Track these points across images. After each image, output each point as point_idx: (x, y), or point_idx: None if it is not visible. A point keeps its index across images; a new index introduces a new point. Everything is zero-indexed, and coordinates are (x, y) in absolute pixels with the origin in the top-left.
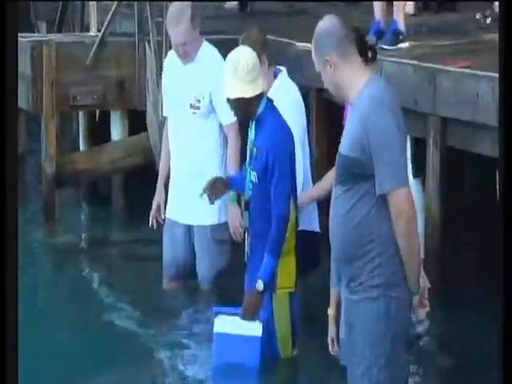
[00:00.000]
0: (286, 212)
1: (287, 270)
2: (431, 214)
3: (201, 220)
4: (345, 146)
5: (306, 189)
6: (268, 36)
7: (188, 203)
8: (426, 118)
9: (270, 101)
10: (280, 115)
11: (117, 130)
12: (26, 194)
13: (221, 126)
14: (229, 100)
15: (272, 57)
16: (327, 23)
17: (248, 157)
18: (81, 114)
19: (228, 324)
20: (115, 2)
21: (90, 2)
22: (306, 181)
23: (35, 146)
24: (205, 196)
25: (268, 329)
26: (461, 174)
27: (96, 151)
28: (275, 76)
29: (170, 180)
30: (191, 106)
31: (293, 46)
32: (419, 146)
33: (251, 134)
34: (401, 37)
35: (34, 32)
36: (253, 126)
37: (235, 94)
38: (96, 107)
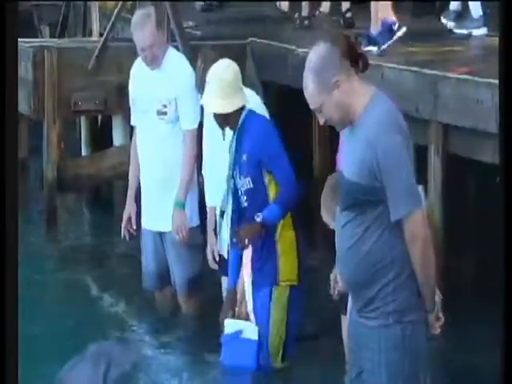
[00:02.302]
0: (297, 192)
1: (289, 263)
2: (433, 220)
3: (171, 226)
4: (350, 169)
5: None
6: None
7: (158, 210)
8: (427, 124)
9: (249, 109)
10: (260, 116)
11: (118, 135)
12: (28, 198)
13: None
14: (217, 114)
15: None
16: (321, 50)
17: (232, 167)
18: (83, 119)
19: (231, 327)
20: (117, 8)
21: (92, 8)
22: None
23: (37, 151)
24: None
25: (263, 324)
26: (462, 180)
27: (98, 156)
28: None
29: (142, 190)
30: (158, 113)
31: (294, 51)
32: (420, 153)
33: (232, 144)
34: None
35: (37, 36)
36: (234, 137)
37: (216, 108)
38: (98, 112)
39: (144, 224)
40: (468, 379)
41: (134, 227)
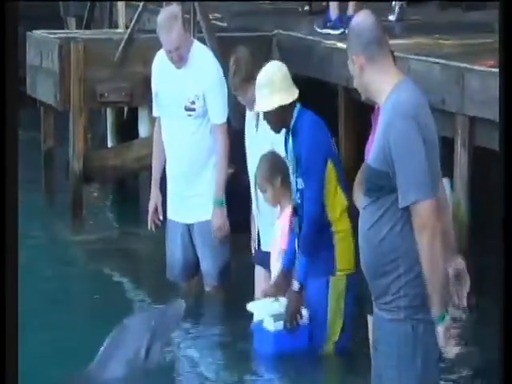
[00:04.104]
0: (316, 214)
1: (346, 253)
2: (459, 213)
3: (200, 216)
4: (371, 154)
5: None
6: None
7: (185, 203)
8: (453, 117)
9: (302, 107)
10: (314, 117)
11: (144, 126)
12: (54, 190)
13: None
14: (265, 113)
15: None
16: (360, 21)
17: (291, 166)
18: (109, 110)
19: (258, 309)
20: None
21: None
22: None
23: (63, 142)
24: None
25: (319, 312)
26: (489, 173)
27: (124, 148)
28: None
29: (168, 181)
30: (186, 109)
31: (320, 43)
32: (447, 146)
33: (288, 144)
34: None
35: (63, 28)
36: (289, 136)
37: (274, 104)
38: (124, 104)
39: (170, 215)
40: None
41: (161, 218)
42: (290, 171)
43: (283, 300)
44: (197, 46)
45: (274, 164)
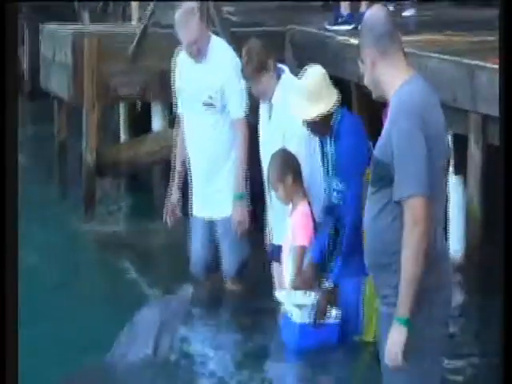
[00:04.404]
0: (359, 216)
1: None
2: (472, 211)
3: (223, 212)
4: (376, 147)
5: (319, 185)
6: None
7: (208, 198)
8: (466, 114)
9: (343, 108)
10: (356, 119)
11: (157, 120)
12: (67, 183)
13: None
14: (306, 122)
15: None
16: (372, 15)
17: (329, 168)
18: (122, 105)
19: (285, 298)
20: None
21: None
22: (317, 178)
23: (76, 135)
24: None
25: (352, 311)
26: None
27: (137, 142)
28: (278, 76)
29: (190, 178)
30: (205, 104)
31: (333, 39)
32: (460, 143)
33: (326, 146)
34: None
35: (77, 21)
36: (330, 139)
37: (313, 113)
38: (137, 98)
39: (194, 212)
40: None
41: (179, 214)
42: (324, 171)
43: (312, 294)
44: (215, 40)
45: (285, 162)
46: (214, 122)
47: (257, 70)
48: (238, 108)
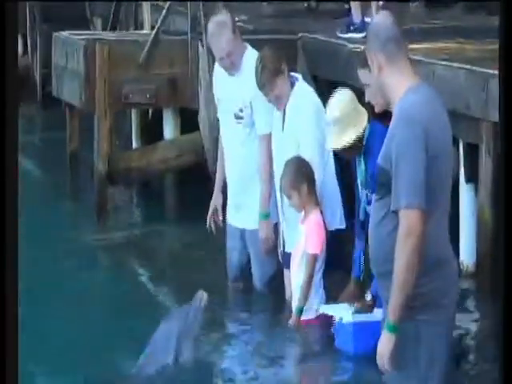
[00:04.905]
0: None
1: None
2: (484, 219)
3: (251, 224)
4: (380, 154)
5: (331, 194)
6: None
7: (241, 208)
8: (478, 123)
9: (373, 124)
10: (382, 130)
11: (169, 128)
12: (79, 191)
13: None
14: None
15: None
16: (379, 21)
17: (362, 182)
18: (133, 112)
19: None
20: (168, 1)
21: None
22: (330, 187)
23: (88, 143)
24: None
25: None
26: None
27: (148, 150)
28: (292, 84)
29: (227, 185)
30: (236, 116)
31: (345, 47)
32: (471, 152)
33: (360, 164)
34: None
35: (89, 28)
36: (361, 157)
37: (343, 142)
38: (149, 105)
39: (228, 219)
40: None
41: (221, 218)
42: (361, 185)
43: (354, 306)
44: (250, 51)
45: (299, 170)
46: (244, 136)
47: (272, 74)
48: (264, 124)
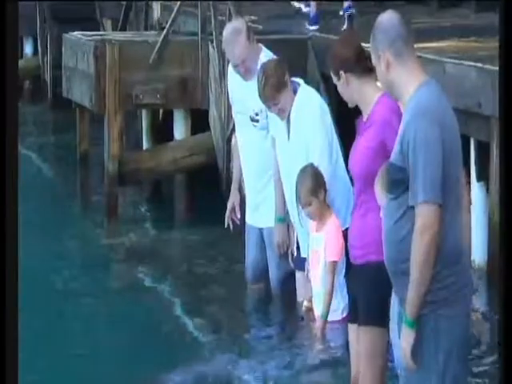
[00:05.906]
0: None
1: None
2: (495, 217)
3: (268, 222)
4: (392, 152)
5: (343, 191)
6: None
7: (257, 207)
8: (489, 121)
9: None
10: None
11: (180, 128)
12: (89, 191)
13: None
14: None
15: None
16: (385, 18)
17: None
18: (144, 112)
19: None
20: (178, 2)
21: (154, 1)
22: (341, 183)
23: (98, 144)
24: None
25: None
26: None
27: (159, 150)
28: (295, 91)
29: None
30: (251, 119)
31: None
32: (483, 150)
33: None
34: None
35: (99, 29)
36: None
37: None
38: (159, 106)
39: (247, 218)
40: None
41: (239, 216)
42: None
43: None
44: (264, 55)
45: (315, 176)
46: (259, 138)
47: (275, 89)
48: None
